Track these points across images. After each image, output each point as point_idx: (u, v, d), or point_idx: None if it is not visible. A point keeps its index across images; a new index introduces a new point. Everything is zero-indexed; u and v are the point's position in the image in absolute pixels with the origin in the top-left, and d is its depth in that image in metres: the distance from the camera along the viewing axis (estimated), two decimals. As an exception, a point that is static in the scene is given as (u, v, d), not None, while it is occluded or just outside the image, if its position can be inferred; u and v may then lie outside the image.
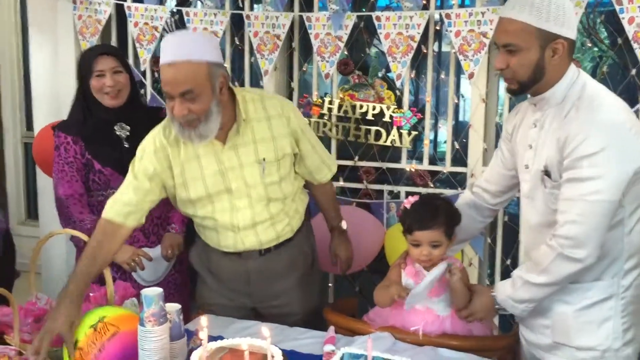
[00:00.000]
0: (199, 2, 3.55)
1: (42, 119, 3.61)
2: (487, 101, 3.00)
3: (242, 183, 2.17)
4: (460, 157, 3.11)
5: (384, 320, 2.15)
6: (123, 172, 2.23)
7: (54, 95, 3.65)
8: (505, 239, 3.06)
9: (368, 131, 3.20)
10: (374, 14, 3.05)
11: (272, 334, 1.64)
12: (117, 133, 2.58)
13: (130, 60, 3.43)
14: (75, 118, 2.61)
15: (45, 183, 3.53)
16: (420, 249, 2.08)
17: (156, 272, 2.66)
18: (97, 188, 2.59)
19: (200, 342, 1.69)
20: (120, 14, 3.50)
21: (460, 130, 3.17)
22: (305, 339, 2.08)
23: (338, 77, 3.28)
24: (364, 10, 3.17)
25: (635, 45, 2.58)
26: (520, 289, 1.88)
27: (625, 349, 1.87)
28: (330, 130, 3.26)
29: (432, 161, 3.20)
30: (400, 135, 3.15)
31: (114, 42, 3.58)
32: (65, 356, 1.85)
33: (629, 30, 2.58)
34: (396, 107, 3.16)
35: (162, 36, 3.42)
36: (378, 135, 3.19)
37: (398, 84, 3.07)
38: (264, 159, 2.17)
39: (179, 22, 3.43)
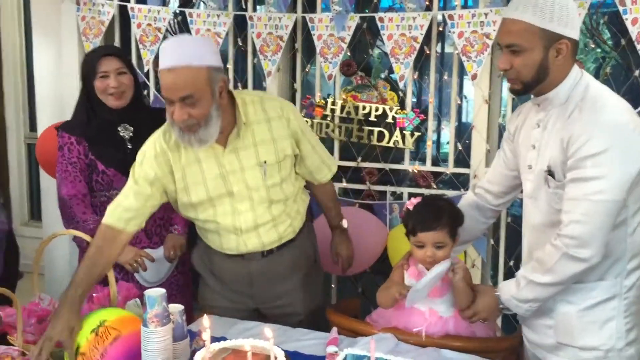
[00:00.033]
0: (202, 3, 3.55)
1: (46, 120, 3.61)
2: (490, 102, 3.00)
3: (243, 186, 2.17)
4: (463, 158, 3.10)
5: (386, 322, 2.14)
6: (126, 173, 2.23)
7: (57, 96, 3.66)
8: (508, 240, 3.06)
9: (371, 132, 3.20)
10: (376, 15, 3.06)
11: (274, 335, 1.65)
12: (121, 134, 2.58)
13: (133, 62, 3.43)
14: (79, 119, 2.62)
15: (48, 184, 3.54)
16: (424, 251, 2.07)
17: (158, 273, 2.66)
18: (100, 189, 2.59)
19: (203, 343, 1.69)
20: (124, 15, 3.51)
21: (463, 132, 3.17)
22: (308, 340, 2.08)
23: (341, 78, 3.28)
24: (366, 11, 3.18)
25: (638, 46, 2.58)
26: (524, 289, 1.88)
27: (628, 348, 1.87)
28: (333, 131, 3.26)
29: (435, 162, 3.20)
30: (403, 136, 3.15)
31: (117, 43, 3.59)
32: None
33: (633, 31, 2.58)
34: (399, 108, 3.16)
35: (165, 37, 3.43)
36: (381, 136, 3.19)
37: (401, 85, 3.07)
38: (265, 162, 2.16)
39: (182, 24, 3.44)
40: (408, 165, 3.21)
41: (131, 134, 2.59)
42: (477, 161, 3.04)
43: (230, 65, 3.44)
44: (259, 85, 3.45)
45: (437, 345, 2.01)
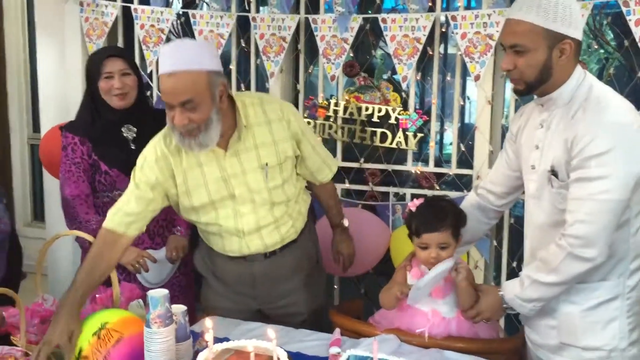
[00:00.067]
0: (204, 5, 3.56)
1: (49, 120, 3.62)
2: (493, 103, 3.00)
3: (245, 189, 2.17)
4: (466, 159, 3.10)
5: (389, 323, 2.14)
6: (129, 173, 2.23)
7: (60, 97, 3.67)
8: (511, 241, 3.05)
9: (374, 133, 3.20)
10: (379, 16, 3.06)
11: (277, 336, 1.65)
12: (124, 134, 2.59)
13: (137, 63, 3.44)
14: (83, 119, 2.63)
15: (51, 185, 3.54)
16: (428, 252, 2.07)
17: (160, 274, 2.66)
18: (102, 189, 2.59)
19: (206, 343, 1.69)
20: (127, 16, 3.52)
21: (466, 133, 3.17)
22: (310, 341, 2.08)
23: (344, 79, 3.28)
24: (369, 12, 3.18)
25: (642, 47, 2.58)
26: (528, 288, 1.88)
27: (631, 348, 1.88)
28: (335, 132, 3.26)
29: (438, 163, 3.20)
30: (405, 137, 3.15)
31: (120, 44, 3.60)
32: None
33: (636, 32, 2.57)
34: (402, 109, 3.16)
35: (168, 38, 3.44)
36: (384, 137, 3.18)
37: (404, 86, 3.07)
38: (266, 164, 2.16)
39: (185, 25, 3.44)
40: (411, 166, 3.21)
41: (134, 135, 2.59)
42: (480, 162, 3.04)
43: (233, 66, 3.44)
44: (261, 86, 3.45)
45: (440, 347, 2.01)
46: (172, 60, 1.94)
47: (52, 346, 1.82)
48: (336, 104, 3.25)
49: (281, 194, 2.22)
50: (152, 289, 1.95)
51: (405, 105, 3.19)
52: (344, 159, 3.31)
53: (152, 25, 3.41)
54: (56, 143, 2.80)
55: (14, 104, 4.29)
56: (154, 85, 3.53)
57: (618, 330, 1.86)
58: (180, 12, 3.45)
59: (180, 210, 2.25)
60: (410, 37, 2.99)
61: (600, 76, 2.96)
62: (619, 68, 2.97)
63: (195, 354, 1.86)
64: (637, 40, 2.58)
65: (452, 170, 3.14)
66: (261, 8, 3.45)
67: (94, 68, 2.55)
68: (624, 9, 2.59)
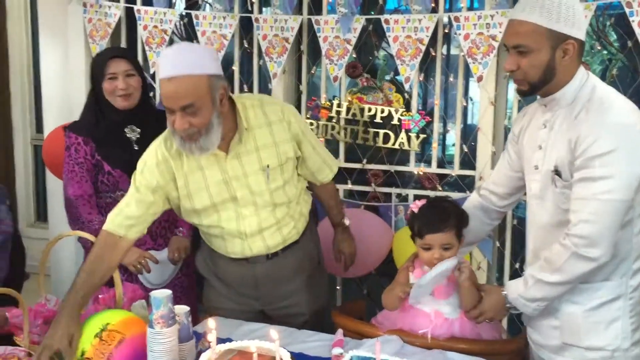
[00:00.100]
0: (207, 5, 3.57)
1: (52, 121, 3.63)
2: (495, 104, 3.00)
3: (247, 191, 2.16)
4: (468, 160, 3.10)
5: (392, 323, 2.14)
6: (132, 174, 2.23)
7: (64, 98, 3.67)
8: (514, 242, 3.05)
9: (376, 134, 3.20)
10: (382, 17, 3.06)
11: (280, 337, 1.65)
12: (128, 135, 2.59)
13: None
14: (87, 119, 2.63)
15: (54, 185, 3.55)
16: (431, 252, 2.07)
17: (162, 275, 2.66)
18: (105, 190, 2.60)
19: (209, 344, 1.69)
20: (130, 17, 3.52)
21: (469, 133, 3.17)
22: (313, 342, 2.08)
23: (346, 80, 3.28)
24: (372, 13, 3.18)
25: (645, 48, 2.57)
26: (532, 288, 1.89)
27: (634, 348, 1.88)
28: (338, 133, 3.26)
29: (441, 164, 3.20)
30: (408, 138, 3.15)
31: (123, 45, 3.60)
32: None
33: (639, 33, 2.57)
34: (404, 110, 3.16)
35: (171, 39, 3.44)
36: (386, 138, 3.18)
37: (406, 86, 3.07)
38: (267, 166, 2.16)
39: (188, 25, 3.44)
40: (413, 167, 3.21)
41: (138, 136, 2.60)
42: (482, 163, 3.04)
43: (236, 67, 3.44)
44: (264, 87, 3.45)
45: (443, 347, 2.01)
46: (172, 64, 1.93)
47: (52, 350, 1.82)
48: (339, 105, 3.26)
49: (282, 196, 2.22)
50: (153, 289, 1.96)
51: (407, 106, 3.19)
52: (347, 160, 3.31)
53: (155, 26, 3.41)
54: (59, 143, 2.80)
55: (17, 105, 4.29)
56: (156, 86, 3.53)
57: (621, 330, 1.86)
58: (183, 13, 3.45)
59: (182, 212, 2.24)
60: (412, 38, 2.99)
61: (603, 77, 2.96)
62: (622, 69, 2.97)
63: (198, 354, 1.86)
64: (640, 41, 2.58)
65: (455, 171, 3.14)
66: (264, 9, 3.45)
67: (98, 69, 2.56)
68: (627, 10, 2.59)
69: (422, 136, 3.13)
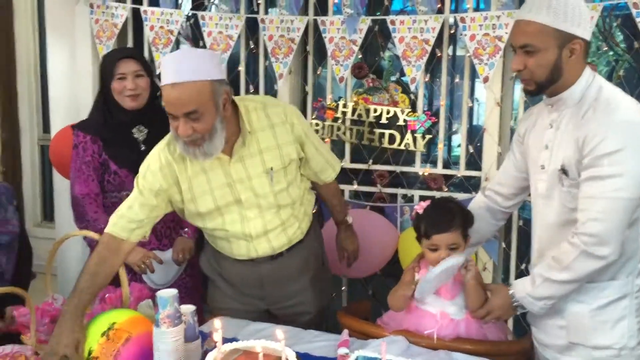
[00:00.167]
0: (213, 6, 3.57)
1: (59, 121, 3.64)
2: (501, 105, 2.99)
3: (251, 194, 2.16)
4: (474, 161, 3.10)
5: (397, 324, 2.14)
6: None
7: (71, 98, 3.68)
8: (520, 243, 3.04)
9: (382, 135, 3.20)
10: (388, 18, 3.06)
11: (286, 337, 1.65)
12: (135, 135, 2.60)
13: (146, 64, 3.45)
14: (95, 118, 2.65)
15: (61, 185, 3.56)
16: (438, 253, 2.07)
17: (166, 276, 2.67)
18: (111, 189, 2.61)
19: (215, 344, 1.70)
20: (137, 17, 3.53)
21: (475, 134, 3.16)
22: (319, 342, 2.09)
23: (352, 80, 3.28)
24: (378, 14, 3.18)
25: (652, 49, 2.57)
26: (540, 287, 1.89)
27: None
28: (344, 133, 3.26)
29: (446, 165, 3.19)
30: (414, 139, 3.14)
31: (130, 45, 3.61)
32: None
33: (646, 33, 2.57)
34: (410, 110, 3.16)
35: (177, 40, 3.45)
36: (392, 138, 3.18)
37: (412, 87, 3.07)
38: (271, 168, 2.16)
39: (194, 26, 3.45)
40: (419, 168, 3.20)
41: (145, 136, 2.61)
42: (488, 164, 3.03)
43: (242, 68, 3.45)
44: (270, 87, 3.46)
45: (449, 348, 2.01)
46: (175, 70, 1.92)
47: (58, 357, 1.82)
48: (344, 106, 3.26)
49: (286, 197, 2.22)
50: (157, 290, 1.96)
51: (413, 106, 3.18)
52: (352, 161, 3.31)
53: (162, 27, 3.42)
54: (66, 143, 2.81)
55: (24, 105, 4.31)
56: (163, 86, 3.54)
57: (627, 329, 1.87)
58: (190, 14, 3.46)
59: (186, 215, 2.25)
60: (418, 39, 2.99)
61: (609, 78, 2.95)
62: (629, 70, 2.96)
63: (204, 354, 1.87)
64: (646, 42, 2.58)
65: (461, 172, 3.14)
66: (270, 9, 3.46)
67: (107, 68, 2.57)
68: (633, 11, 2.58)
69: (427, 137, 3.13)
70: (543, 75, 1.85)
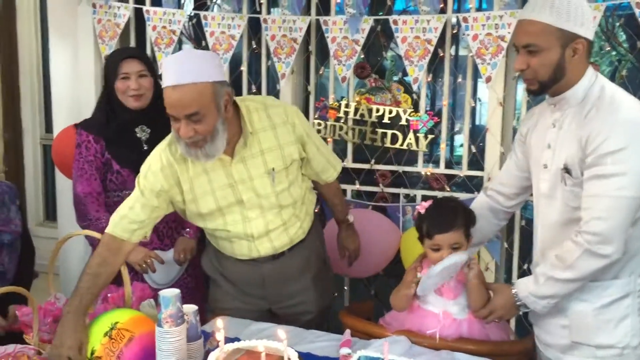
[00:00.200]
0: (216, 6, 3.57)
1: (62, 121, 3.64)
2: (504, 105, 2.99)
3: (253, 194, 2.16)
4: (477, 161, 3.09)
5: (400, 324, 2.14)
6: (140, 174, 2.24)
7: (73, 98, 3.69)
8: (522, 243, 3.04)
9: (384, 135, 3.20)
10: (390, 18, 3.05)
11: (288, 336, 1.65)
12: (138, 135, 2.61)
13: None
14: (98, 118, 2.65)
15: (63, 185, 3.56)
16: (440, 253, 2.07)
17: (168, 276, 2.67)
18: (113, 188, 2.61)
19: (217, 343, 1.70)
20: (139, 17, 3.53)
21: (477, 134, 3.16)
22: (321, 342, 2.09)
23: (355, 80, 3.28)
24: (380, 13, 3.18)
25: (655, 49, 2.56)
26: (543, 285, 1.89)
27: None
28: (346, 133, 3.26)
29: (449, 165, 3.19)
30: (416, 138, 3.14)
31: (132, 45, 3.61)
32: None
33: (649, 33, 2.56)
34: (413, 110, 3.16)
35: (180, 40, 3.45)
36: (394, 138, 3.18)
37: (415, 87, 3.06)
38: (273, 169, 2.16)
39: (197, 26, 3.45)
40: (421, 168, 3.20)
41: (148, 136, 2.61)
42: (491, 164, 3.03)
43: (244, 68, 3.45)
44: (272, 87, 3.46)
45: (451, 348, 2.00)
46: (176, 72, 1.92)
47: (62, 359, 1.82)
48: (347, 106, 3.26)
49: (288, 197, 2.22)
50: (159, 289, 1.96)
51: (416, 106, 3.18)
52: (355, 161, 3.31)
53: (164, 27, 3.43)
54: (69, 143, 2.82)
55: (26, 105, 4.31)
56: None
57: (630, 328, 1.87)
58: (192, 14, 3.46)
59: (187, 216, 2.25)
60: (421, 39, 2.99)
61: (612, 78, 2.94)
62: (632, 70, 2.95)
63: (206, 353, 1.87)
64: (649, 41, 2.57)
65: (463, 172, 3.13)
66: (272, 9, 3.46)
67: (111, 68, 2.58)
68: (636, 11, 2.58)
69: (430, 137, 3.13)
70: (546, 75, 1.85)
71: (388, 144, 3.19)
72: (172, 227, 2.69)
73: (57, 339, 1.86)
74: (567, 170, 1.87)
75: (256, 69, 3.52)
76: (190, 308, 1.92)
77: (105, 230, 2.12)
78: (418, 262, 2.20)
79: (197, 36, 3.56)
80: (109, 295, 2.11)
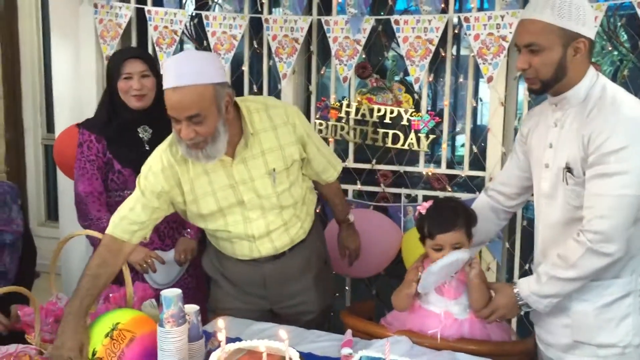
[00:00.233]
0: (217, 6, 3.57)
1: (63, 121, 3.64)
2: (505, 105, 2.99)
3: (254, 195, 2.16)
4: (478, 161, 3.09)
5: (401, 324, 2.14)
6: (142, 174, 2.24)
7: (75, 98, 3.69)
8: (523, 243, 3.04)
9: (386, 135, 3.19)
10: (392, 18, 3.05)
11: (289, 336, 1.65)
12: (140, 135, 2.61)
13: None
14: (100, 117, 2.66)
15: (65, 184, 3.56)
16: (442, 253, 2.07)
17: (168, 276, 2.67)
18: (115, 188, 2.62)
19: (219, 343, 1.70)
20: (141, 17, 3.53)
21: (479, 134, 3.16)
22: (322, 342, 2.09)
23: (356, 80, 3.28)
24: (382, 13, 3.17)
25: (656, 49, 2.56)
26: (546, 285, 1.89)
27: None
28: (347, 133, 3.26)
29: (450, 165, 3.19)
30: (417, 138, 3.14)
31: (134, 45, 3.61)
32: None
33: (651, 33, 2.56)
34: (414, 110, 3.16)
35: (181, 40, 3.45)
36: (396, 138, 3.18)
37: (416, 87, 3.06)
38: (274, 170, 2.16)
39: (198, 26, 3.46)
40: (423, 168, 3.20)
41: (150, 136, 2.61)
42: (492, 164, 3.03)
43: (245, 68, 3.45)
44: (274, 87, 3.46)
45: (452, 348, 2.00)
46: (176, 74, 1.92)
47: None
48: (348, 106, 3.25)
49: (289, 197, 2.22)
50: (160, 290, 1.96)
51: (417, 106, 3.18)
52: (356, 160, 3.30)
53: (166, 27, 3.43)
54: (70, 143, 2.82)
55: (28, 105, 4.32)
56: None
57: (631, 327, 1.88)
58: (193, 14, 3.46)
59: (188, 216, 2.25)
60: (422, 39, 2.99)
61: (614, 78, 2.94)
62: (633, 70, 2.94)
63: (208, 353, 1.87)
64: (651, 41, 2.57)
65: (464, 172, 3.13)
66: (274, 9, 3.46)
67: (114, 68, 2.58)
68: (638, 10, 2.58)
69: (431, 137, 3.13)
70: (548, 74, 1.85)
71: (389, 144, 3.19)
72: (173, 227, 2.70)
73: (58, 340, 1.87)
74: (568, 169, 1.87)
75: (257, 69, 3.52)
76: (192, 308, 1.92)
77: (105, 231, 2.12)
78: (419, 262, 2.20)
79: (198, 36, 3.56)
80: (110, 295, 2.11)
